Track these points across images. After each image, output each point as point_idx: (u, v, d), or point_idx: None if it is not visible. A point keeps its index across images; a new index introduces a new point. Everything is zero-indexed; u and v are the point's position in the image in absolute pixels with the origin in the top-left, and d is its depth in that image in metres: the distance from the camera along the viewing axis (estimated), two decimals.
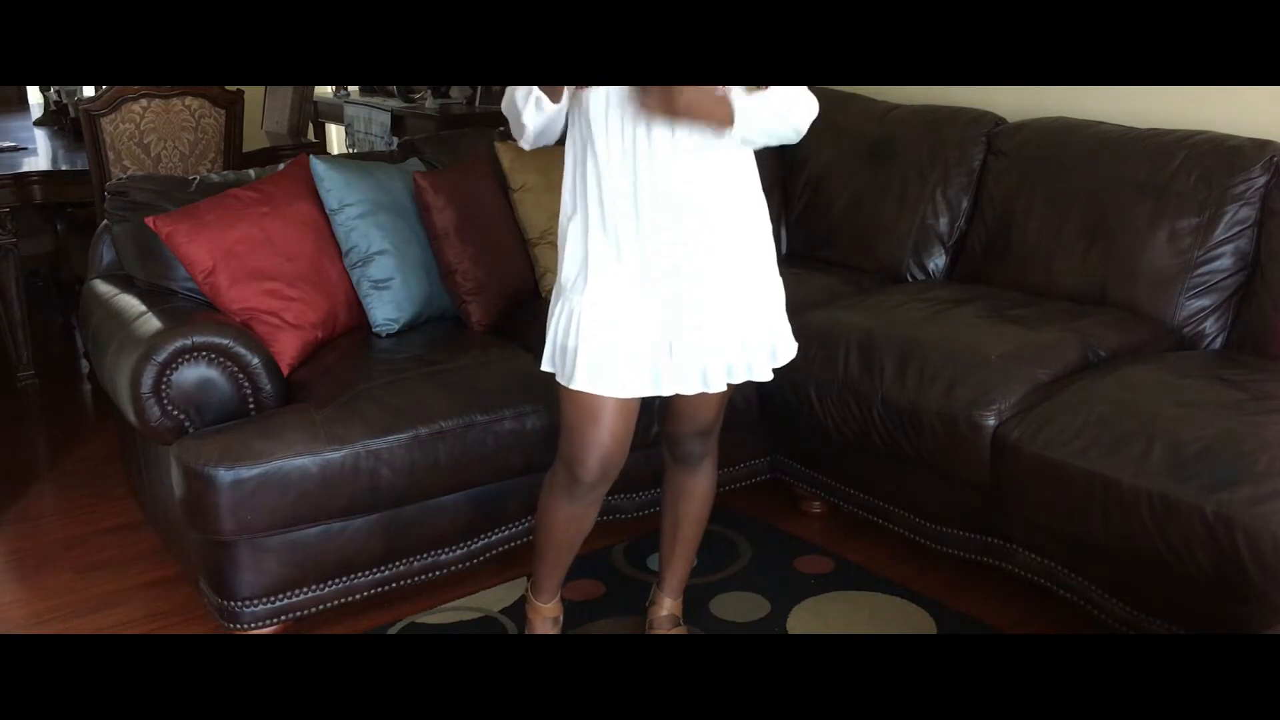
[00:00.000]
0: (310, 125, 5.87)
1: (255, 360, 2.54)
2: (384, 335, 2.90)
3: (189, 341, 2.46)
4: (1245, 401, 2.35)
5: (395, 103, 6.03)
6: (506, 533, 2.77)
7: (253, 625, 2.50)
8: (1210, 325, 2.82)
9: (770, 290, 2.17)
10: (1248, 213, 2.78)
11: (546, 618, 2.43)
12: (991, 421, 2.52)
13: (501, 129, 3.34)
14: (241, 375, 2.52)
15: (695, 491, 2.39)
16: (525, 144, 2.13)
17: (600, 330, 2.05)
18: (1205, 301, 2.82)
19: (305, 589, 2.52)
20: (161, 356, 2.43)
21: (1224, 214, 2.79)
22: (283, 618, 2.52)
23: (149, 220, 2.71)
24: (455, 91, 6.03)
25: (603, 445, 2.14)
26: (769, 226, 2.18)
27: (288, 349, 2.69)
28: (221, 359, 2.50)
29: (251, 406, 2.55)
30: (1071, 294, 2.97)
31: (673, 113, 1.93)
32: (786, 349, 2.20)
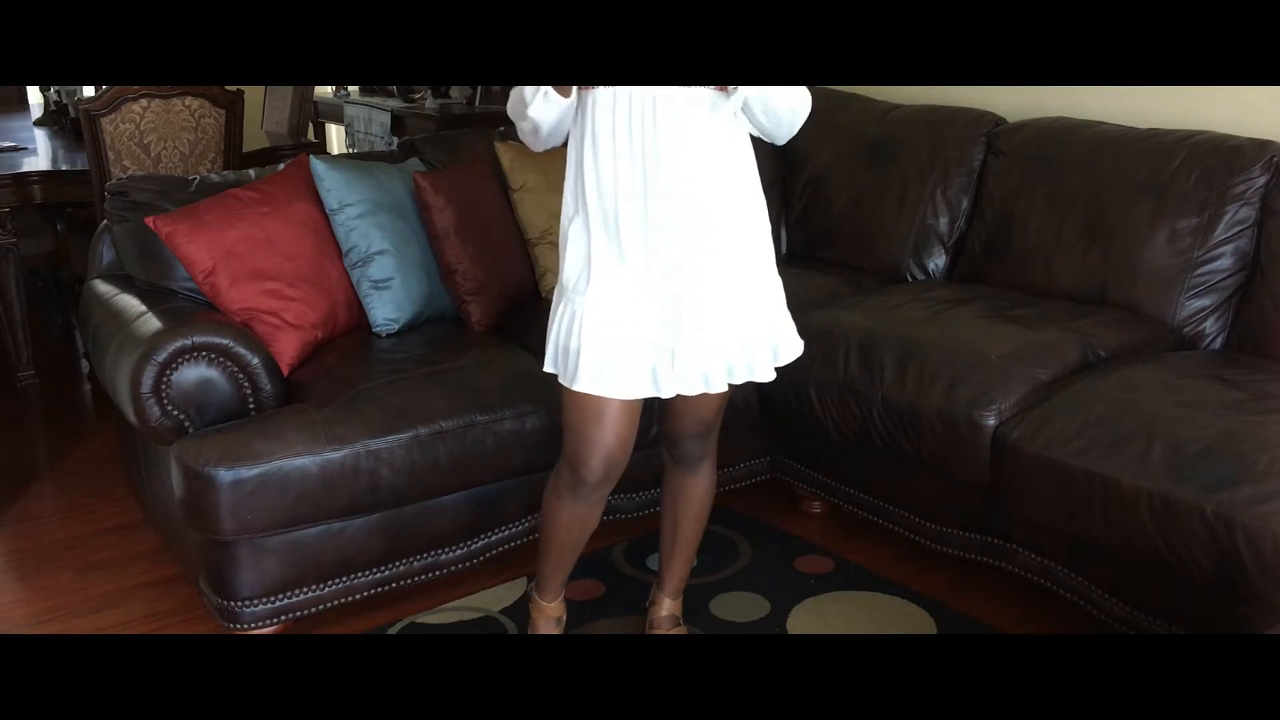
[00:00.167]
0: (310, 125, 5.87)
1: (255, 360, 2.54)
2: (384, 335, 2.90)
3: (189, 341, 2.46)
4: (1245, 401, 2.35)
5: (395, 103, 6.02)
6: (506, 533, 2.77)
7: (253, 625, 2.50)
8: (1210, 325, 2.82)
9: (770, 290, 2.17)
10: (1248, 213, 2.79)
11: (550, 617, 2.43)
12: (991, 421, 2.52)
13: (502, 129, 3.34)
14: (241, 375, 2.52)
15: (695, 492, 2.39)
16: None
17: (603, 331, 2.05)
18: (1205, 301, 2.82)
19: (305, 589, 2.52)
20: (161, 356, 2.43)
21: (1224, 214, 2.79)
22: (283, 618, 2.52)
23: (149, 220, 2.71)
24: (455, 91, 6.03)
25: (606, 445, 2.14)
26: (769, 226, 2.18)
27: (288, 349, 2.69)
28: (221, 359, 2.50)
29: (251, 406, 2.55)
30: (1071, 294, 2.97)
31: None
32: (789, 348, 2.20)
